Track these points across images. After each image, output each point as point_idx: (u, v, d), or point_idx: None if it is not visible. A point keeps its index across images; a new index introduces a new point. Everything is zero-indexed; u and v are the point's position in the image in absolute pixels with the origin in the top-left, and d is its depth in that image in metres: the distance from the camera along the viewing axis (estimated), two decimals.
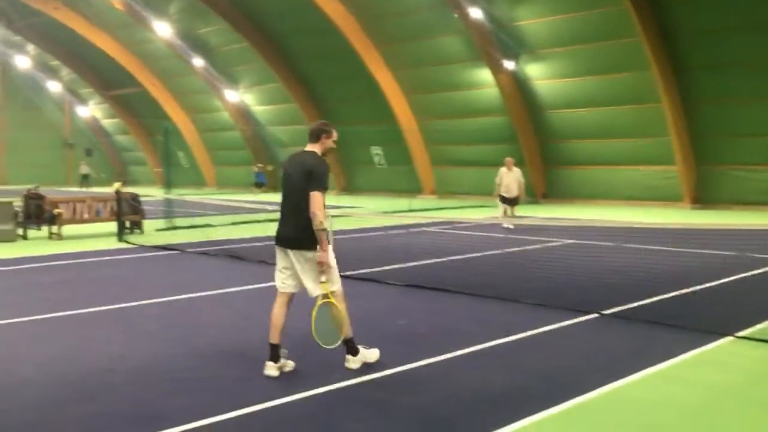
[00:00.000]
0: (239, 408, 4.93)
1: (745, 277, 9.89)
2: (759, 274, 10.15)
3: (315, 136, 5.84)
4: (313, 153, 5.79)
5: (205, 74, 38.18)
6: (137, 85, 42.10)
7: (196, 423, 4.67)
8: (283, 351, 5.81)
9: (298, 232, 5.67)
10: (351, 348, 5.84)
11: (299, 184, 5.64)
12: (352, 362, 5.81)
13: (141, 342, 6.88)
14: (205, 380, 5.64)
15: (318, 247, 5.59)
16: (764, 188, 22.47)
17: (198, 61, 37.51)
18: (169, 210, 19.20)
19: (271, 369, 5.69)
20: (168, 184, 21.22)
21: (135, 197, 17.06)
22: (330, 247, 5.75)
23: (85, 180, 44.87)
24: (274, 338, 5.75)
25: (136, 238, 15.75)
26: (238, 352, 6.44)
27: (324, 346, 5.64)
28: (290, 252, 5.76)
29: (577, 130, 26.48)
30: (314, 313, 5.61)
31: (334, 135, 5.89)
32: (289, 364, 5.84)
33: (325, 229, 5.61)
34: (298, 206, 5.65)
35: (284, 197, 5.86)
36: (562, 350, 6.48)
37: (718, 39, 21.59)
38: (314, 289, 5.73)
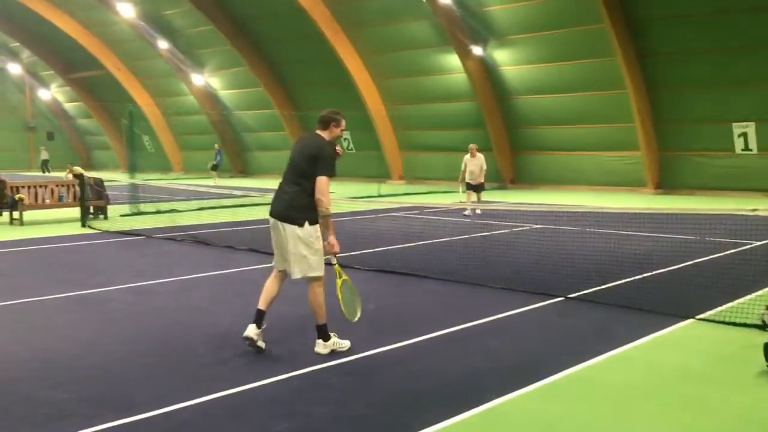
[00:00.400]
0: (207, 393, 4.92)
1: (705, 260, 10.13)
2: (718, 257, 10.39)
3: (325, 124, 5.97)
4: (322, 138, 5.91)
5: (170, 57, 37.59)
6: (100, 68, 41.29)
7: (164, 408, 4.65)
8: (264, 324, 5.90)
9: (290, 208, 5.77)
10: (323, 333, 5.86)
11: (303, 165, 5.76)
12: (322, 347, 5.83)
13: (107, 328, 6.81)
14: (173, 365, 5.61)
15: (306, 224, 5.69)
16: (724, 173, 22.98)
17: (162, 44, 36.90)
18: (134, 195, 18.95)
19: (250, 331, 5.80)
20: (133, 169, 20.92)
21: (99, 182, 16.79)
22: (319, 233, 5.82)
23: (45, 165, 43.94)
24: (261, 304, 5.89)
25: (100, 224, 15.52)
26: (206, 337, 6.41)
27: (351, 318, 6.03)
28: (280, 225, 5.81)
29: (544, 115, 26.71)
30: (339, 293, 5.93)
31: (343, 124, 6.03)
32: (262, 344, 5.90)
33: (330, 215, 5.78)
34: (296, 184, 5.77)
35: (286, 172, 5.95)
36: (527, 333, 6.58)
37: (682, 26, 21.91)
38: (294, 269, 5.78)
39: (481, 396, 4.84)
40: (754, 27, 20.72)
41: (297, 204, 5.73)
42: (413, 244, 12.08)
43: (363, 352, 5.88)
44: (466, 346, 6.16)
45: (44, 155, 44.95)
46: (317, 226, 5.80)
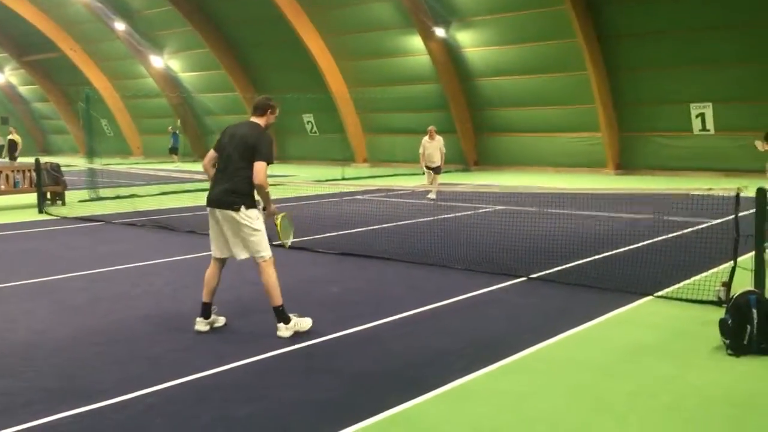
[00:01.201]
0: (171, 379, 4.87)
1: (663, 239, 10.33)
2: (675, 236, 10.61)
3: (261, 110, 6.05)
4: (258, 125, 5.98)
5: (127, 39, 36.78)
6: (56, 51, 40.22)
7: (126, 395, 4.60)
8: (213, 308, 6.07)
9: (227, 194, 5.81)
10: (282, 316, 5.84)
11: (240, 152, 5.78)
12: (284, 330, 5.82)
13: (65, 316, 6.68)
14: (134, 352, 5.54)
15: (242, 207, 5.76)
16: (682, 154, 23.41)
17: (120, 25, 36.08)
18: (92, 180, 18.57)
19: (200, 324, 6.00)
20: (91, 153, 20.49)
21: (56, 167, 16.41)
22: (258, 214, 5.90)
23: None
24: (206, 297, 6.01)
25: (58, 210, 15.20)
26: (168, 323, 6.34)
27: (285, 242, 6.37)
28: (218, 212, 5.87)
29: (506, 97, 26.85)
30: (278, 223, 6.21)
31: (277, 111, 6.13)
32: (220, 320, 6.15)
33: (268, 192, 5.89)
34: (232, 171, 5.82)
35: (221, 160, 5.97)
36: (490, 313, 6.65)
37: (640, 7, 22.15)
38: (239, 252, 5.89)
39: (445, 376, 4.88)
40: (712, 8, 21.05)
41: (234, 189, 5.79)
42: (377, 226, 12.08)
43: (327, 335, 5.88)
44: (429, 327, 6.20)
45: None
46: (255, 210, 5.88)
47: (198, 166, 32.38)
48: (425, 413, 4.35)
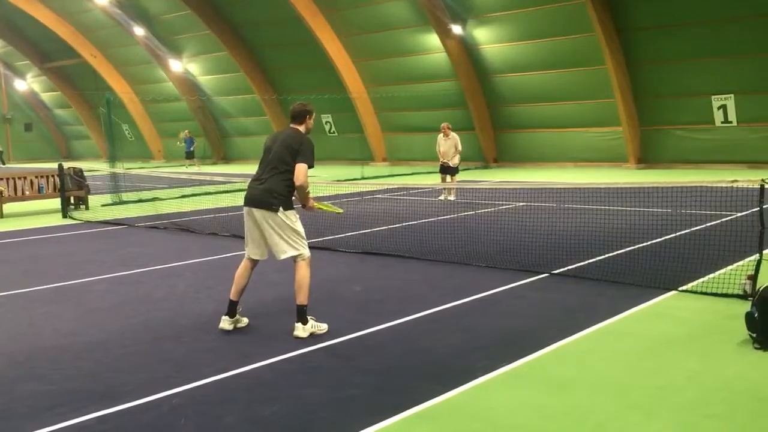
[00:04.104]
0: (196, 380, 4.91)
1: (686, 233, 10.20)
2: (700, 229, 10.48)
3: (300, 118, 6.18)
4: (299, 131, 6.11)
5: (147, 44, 37.10)
6: (76, 57, 40.69)
7: (150, 397, 4.64)
8: (239, 308, 6.12)
9: (267, 194, 5.91)
10: (302, 315, 5.88)
11: (283, 155, 5.92)
12: (301, 331, 5.85)
13: (90, 318, 6.76)
14: (159, 354, 5.59)
15: (281, 209, 5.86)
16: (704, 147, 23.11)
17: (139, 30, 36.40)
18: (115, 184, 18.77)
19: (225, 323, 6.07)
20: (113, 158, 20.69)
21: (79, 172, 16.61)
22: (297, 216, 6.01)
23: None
24: (234, 295, 6.06)
25: (81, 214, 15.38)
26: (192, 324, 6.39)
27: (340, 210, 7.01)
28: (256, 212, 5.94)
29: (525, 94, 26.70)
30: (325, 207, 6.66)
31: (314, 114, 6.28)
32: (243, 320, 6.20)
33: (308, 192, 6.08)
34: (273, 174, 5.93)
35: (262, 164, 6.09)
36: (513, 310, 6.61)
37: (660, 0, 21.91)
38: (279, 252, 5.92)
39: (469, 373, 4.87)
40: None
41: (273, 190, 5.89)
42: (398, 225, 12.07)
43: (350, 333, 5.89)
44: (452, 324, 6.19)
45: None
46: (294, 211, 5.98)
47: (217, 169, 32.60)
48: (450, 410, 4.33)
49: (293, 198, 6.03)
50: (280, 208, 5.85)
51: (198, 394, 4.69)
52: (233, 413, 4.35)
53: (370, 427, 4.07)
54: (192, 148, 32.39)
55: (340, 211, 6.99)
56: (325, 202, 6.59)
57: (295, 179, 5.86)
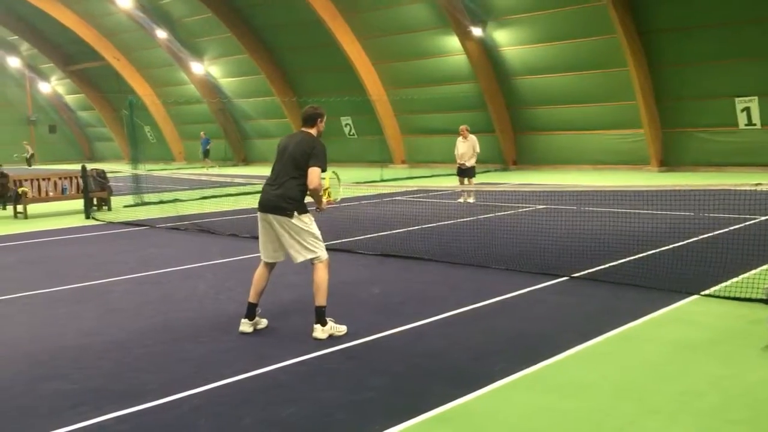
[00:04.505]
0: (215, 381, 4.94)
1: (708, 236, 10.09)
2: (722, 233, 10.35)
3: (311, 121, 6.18)
4: (310, 134, 6.12)
5: (169, 46, 37.43)
6: (99, 59, 41.16)
7: (172, 396, 4.68)
8: (258, 310, 6.15)
9: (281, 200, 5.94)
10: (321, 317, 5.89)
11: (296, 159, 5.94)
12: (320, 332, 5.86)
13: (112, 318, 6.83)
14: (179, 354, 5.63)
15: (295, 213, 5.90)
16: (726, 149, 22.82)
17: (161, 33, 36.73)
18: (137, 186, 18.95)
19: (244, 325, 6.11)
20: (135, 160, 20.91)
21: (101, 173, 16.80)
22: (312, 219, 6.04)
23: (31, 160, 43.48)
24: (252, 297, 6.10)
25: (103, 215, 15.55)
26: (212, 325, 6.43)
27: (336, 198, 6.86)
28: (271, 217, 5.98)
29: (545, 96, 26.55)
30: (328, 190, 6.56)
31: (325, 117, 6.26)
32: (263, 322, 6.23)
33: (322, 195, 6.18)
34: (286, 178, 5.97)
35: (275, 168, 6.14)
36: (533, 313, 6.58)
37: (683, 1, 21.69)
38: (296, 255, 5.97)
39: (486, 376, 4.85)
40: (755, 0, 20.50)
41: (287, 195, 5.92)
42: (417, 227, 12.06)
43: (368, 336, 5.89)
44: (471, 327, 6.17)
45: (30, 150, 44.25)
46: (308, 214, 6.01)
47: (238, 170, 32.78)
48: (467, 413, 4.32)
49: (307, 201, 6.05)
50: (295, 213, 5.90)
51: (217, 395, 4.72)
52: (251, 414, 4.37)
53: (387, 430, 4.07)
54: (207, 148, 32.57)
55: (339, 197, 6.92)
56: (332, 178, 6.54)
57: (308, 183, 5.90)
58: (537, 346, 5.52)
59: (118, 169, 24.09)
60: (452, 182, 18.59)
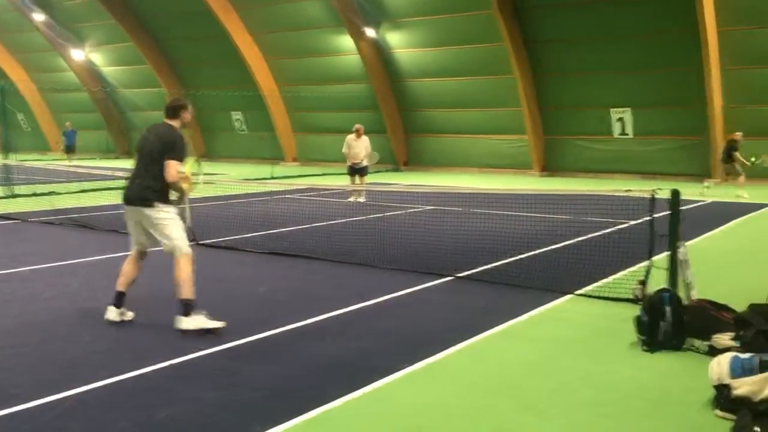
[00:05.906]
0: (88, 382, 4.70)
1: (584, 239, 10.64)
2: (596, 236, 10.95)
3: (173, 112, 6.23)
4: (171, 126, 6.16)
5: (47, 31, 35.36)
6: None
7: (42, 400, 4.41)
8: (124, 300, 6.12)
9: (142, 190, 5.99)
10: (186, 309, 5.82)
11: (154, 152, 5.98)
12: (184, 323, 5.78)
13: None
14: (50, 355, 5.32)
15: (156, 203, 5.94)
16: (602, 157, 24.25)
17: (39, 16, 34.64)
18: (7, 177, 17.77)
19: (111, 313, 6.09)
20: (6, 149, 19.59)
21: None
22: (174, 209, 6.08)
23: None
24: (121, 285, 6.11)
25: None
26: (86, 324, 6.12)
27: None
28: (134, 208, 6.05)
29: (436, 99, 27.13)
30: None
31: (190, 108, 6.30)
32: (129, 314, 6.17)
33: (182, 187, 6.11)
34: (147, 170, 6.01)
35: (138, 160, 6.16)
36: (417, 312, 6.69)
37: (566, 14, 22.78)
38: (165, 245, 6.00)
39: (370, 375, 4.88)
40: (632, 17, 21.82)
41: (149, 186, 5.97)
42: (307, 226, 12.00)
43: (253, 335, 5.79)
44: (356, 326, 6.20)
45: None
46: (170, 206, 6.06)
47: (119, 163, 31.40)
48: (351, 412, 4.34)
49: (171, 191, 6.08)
50: (156, 203, 5.94)
51: (91, 397, 4.50)
52: (127, 417, 4.19)
53: (269, 431, 4.01)
54: (69, 142, 29.52)
55: (200, 177, 6.74)
56: (192, 164, 6.36)
57: (166, 176, 5.89)
58: (419, 345, 5.61)
59: None
60: (344, 181, 18.63)
